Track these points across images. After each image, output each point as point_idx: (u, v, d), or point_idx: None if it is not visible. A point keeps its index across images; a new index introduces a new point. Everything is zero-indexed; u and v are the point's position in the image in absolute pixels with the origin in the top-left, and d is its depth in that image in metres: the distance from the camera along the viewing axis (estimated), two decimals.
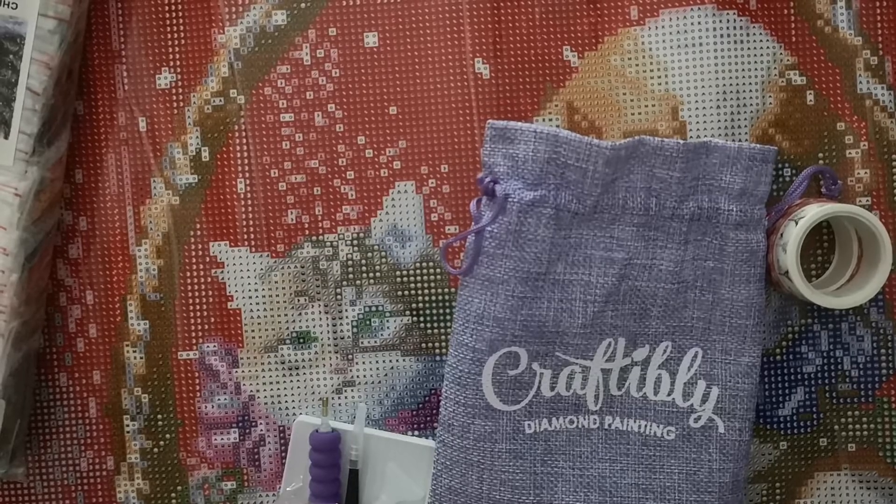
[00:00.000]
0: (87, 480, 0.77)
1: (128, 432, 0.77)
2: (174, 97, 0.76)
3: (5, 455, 0.72)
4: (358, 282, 0.76)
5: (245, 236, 0.76)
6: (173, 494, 0.77)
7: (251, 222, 0.76)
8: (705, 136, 0.74)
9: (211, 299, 0.76)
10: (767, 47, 0.74)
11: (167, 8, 0.75)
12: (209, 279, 0.76)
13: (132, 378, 0.76)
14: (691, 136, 0.74)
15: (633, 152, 0.70)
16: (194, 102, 0.76)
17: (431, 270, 0.75)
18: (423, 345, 0.76)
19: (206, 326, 0.76)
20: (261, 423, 0.76)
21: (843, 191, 0.74)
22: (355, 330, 0.76)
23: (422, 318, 0.76)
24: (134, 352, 0.76)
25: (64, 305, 0.76)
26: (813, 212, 0.68)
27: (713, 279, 0.71)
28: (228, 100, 0.75)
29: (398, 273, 0.75)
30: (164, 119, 0.76)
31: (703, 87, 0.74)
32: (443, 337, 0.75)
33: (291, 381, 0.76)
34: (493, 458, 0.71)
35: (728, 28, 0.74)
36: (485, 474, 0.71)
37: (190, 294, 0.76)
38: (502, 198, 0.69)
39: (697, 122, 0.74)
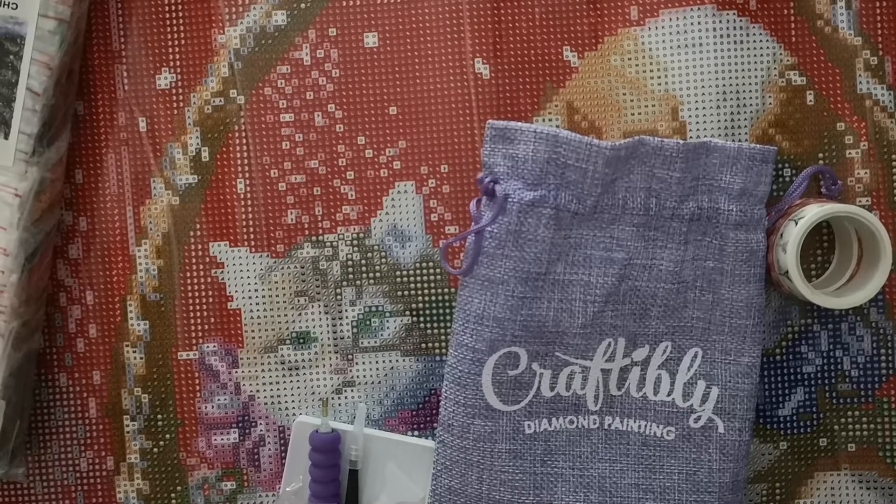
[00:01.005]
0: (87, 481, 0.77)
1: (128, 432, 0.77)
2: (174, 97, 0.76)
3: (5, 455, 0.72)
4: (358, 282, 0.76)
5: (245, 236, 0.76)
6: (173, 495, 0.77)
7: (251, 222, 0.76)
8: (705, 136, 0.74)
9: (211, 299, 0.76)
10: (767, 47, 0.74)
11: (167, 8, 0.75)
12: (209, 279, 0.76)
13: (132, 378, 0.76)
14: (691, 137, 0.74)
15: (633, 152, 0.70)
16: (194, 103, 0.76)
17: (431, 271, 0.75)
18: (423, 345, 0.76)
19: (206, 327, 0.76)
20: (261, 424, 0.76)
21: (843, 191, 0.74)
22: (355, 330, 0.76)
23: (422, 319, 0.76)
24: (134, 352, 0.76)
25: (64, 306, 0.76)
26: (813, 212, 0.68)
27: (713, 279, 0.71)
28: (228, 100, 0.75)
29: (398, 273, 0.75)
30: (164, 119, 0.76)
31: (702, 87, 0.74)
32: (443, 337, 0.75)
33: (291, 381, 0.76)
34: (492, 458, 0.71)
35: (728, 28, 0.74)
36: (484, 474, 0.71)
37: (190, 294, 0.76)
38: (502, 198, 0.69)
39: (697, 123, 0.74)
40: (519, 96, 0.75)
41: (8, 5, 0.69)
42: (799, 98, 0.74)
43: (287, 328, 0.76)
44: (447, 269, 0.71)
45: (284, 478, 0.75)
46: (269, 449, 0.76)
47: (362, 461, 0.74)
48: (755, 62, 0.74)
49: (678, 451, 0.72)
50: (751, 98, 0.74)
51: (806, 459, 0.75)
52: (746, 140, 0.74)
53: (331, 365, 0.76)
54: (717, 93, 0.74)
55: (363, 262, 0.76)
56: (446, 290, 0.75)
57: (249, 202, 0.76)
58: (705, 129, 0.74)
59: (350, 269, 0.76)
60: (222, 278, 0.76)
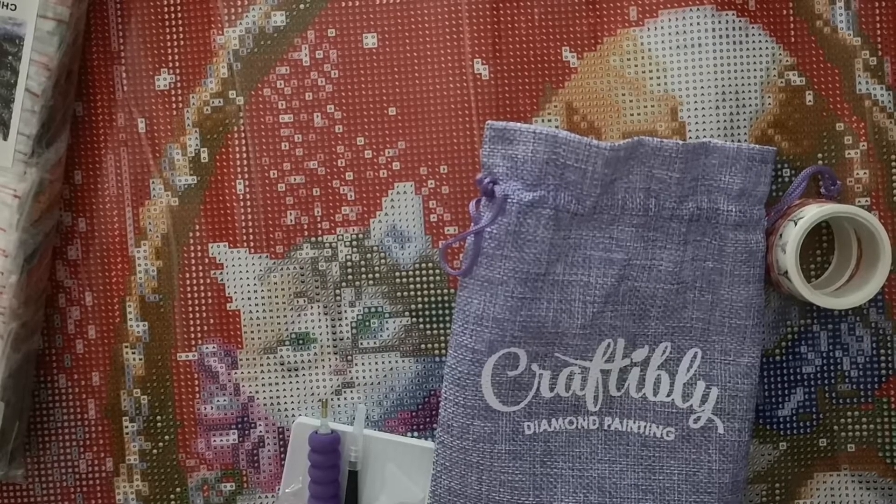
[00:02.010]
0: (87, 482, 0.77)
1: (127, 434, 0.77)
2: (173, 98, 0.76)
3: (4, 456, 0.72)
4: (357, 283, 0.75)
5: (244, 237, 0.76)
6: (172, 496, 0.77)
7: (250, 223, 0.76)
8: (704, 136, 0.74)
9: (210, 300, 0.76)
10: (766, 48, 0.74)
11: (166, 9, 0.75)
12: (208, 280, 0.76)
13: (131, 379, 0.76)
14: (690, 137, 0.74)
15: (632, 153, 0.70)
16: (193, 104, 0.75)
17: (431, 271, 0.75)
18: (423, 346, 0.76)
19: (206, 328, 0.76)
20: (260, 425, 0.76)
21: (842, 191, 0.74)
22: (354, 331, 0.76)
23: (421, 319, 0.75)
24: (133, 353, 0.76)
25: (63, 307, 0.76)
26: (812, 212, 0.68)
27: (712, 280, 0.71)
28: (227, 101, 0.75)
29: (397, 274, 0.75)
30: (164, 120, 0.76)
31: (702, 87, 0.74)
32: (442, 338, 0.75)
33: (291, 382, 0.76)
34: (492, 458, 0.71)
35: (727, 29, 0.74)
36: (484, 475, 0.71)
37: (189, 295, 0.76)
38: (501, 198, 0.69)
39: (696, 123, 0.74)
40: (518, 97, 0.75)
41: (6, 6, 0.69)
42: (798, 98, 0.74)
43: (286, 329, 0.76)
44: (446, 270, 0.71)
45: (284, 479, 0.75)
46: (269, 450, 0.76)
47: (362, 462, 0.74)
48: (754, 62, 0.74)
49: (678, 451, 0.72)
50: (750, 98, 0.74)
51: (806, 460, 0.75)
52: (746, 140, 0.74)
53: (330, 366, 0.76)
54: (717, 93, 0.74)
55: (362, 262, 0.75)
56: (446, 290, 0.75)
57: (249, 203, 0.76)
58: (704, 129, 0.74)
59: (349, 270, 0.76)
60: (221, 279, 0.76)
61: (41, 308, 0.75)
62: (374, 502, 0.74)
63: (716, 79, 0.74)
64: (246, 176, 0.76)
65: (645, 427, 0.72)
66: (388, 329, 0.75)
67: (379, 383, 0.76)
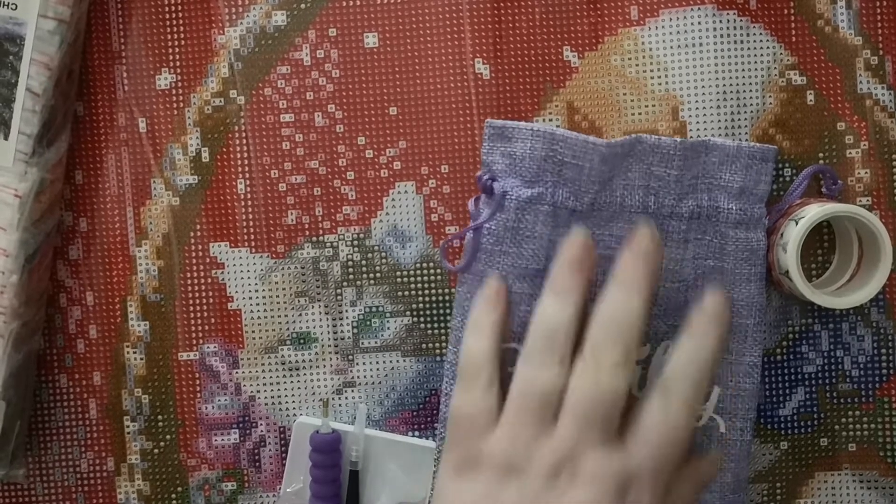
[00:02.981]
0: (88, 481, 0.77)
1: (128, 433, 0.77)
2: (174, 98, 0.76)
3: (5, 456, 0.72)
4: (358, 282, 0.76)
5: (245, 237, 0.76)
6: (174, 495, 0.77)
7: (251, 223, 0.76)
8: (705, 135, 0.74)
9: (211, 300, 0.76)
10: (767, 47, 0.74)
11: (167, 9, 0.75)
12: (209, 280, 0.76)
13: (132, 379, 0.76)
14: (691, 136, 0.74)
15: (631, 150, 0.70)
16: (194, 103, 0.75)
17: (432, 271, 0.75)
18: (424, 345, 0.76)
19: (207, 327, 0.76)
20: (261, 424, 0.76)
21: (843, 190, 0.74)
22: (356, 330, 0.76)
23: (422, 319, 0.75)
24: (134, 353, 0.76)
25: (64, 306, 0.76)
26: (813, 212, 0.68)
27: (713, 278, 0.71)
28: (228, 100, 0.75)
29: (398, 274, 0.75)
30: (164, 120, 0.76)
31: (703, 87, 0.74)
32: (443, 337, 0.75)
33: (292, 381, 0.76)
34: None
35: (728, 28, 0.74)
36: None
37: (190, 295, 0.76)
38: (500, 195, 0.69)
39: (697, 122, 0.74)
40: (519, 96, 0.75)
41: (7, 6, 0.69)
42: (799, 98, 0.74)
43: (287, 329, 0.76)
44: (446, 267, 0.71)
45: (285, 479, 0.75)
46: (270, 449, 0.76)
47: (363, 462, 0.74)
48: (755, 62, 0.74)
49: None
50: (751, 98, 0.74)
51: (806, 459, 0.75)
52: (747, 140, 0.74)
53: (331, 365, 0.76)
54: (718, 93, 0.74)
55: (363, 262, 0.75)
56: (447, 290, 0.75)
57: (250, 203, 0.76)
58: (705, 128, 0.74)
59: (350, 270, 0.76)
60: (222, 279, 0.76)
61: (42, 308, 0.75)
62: (375, 501, 0.74)
63: (717, 78, 0.74)
64: (247, 175, 0.76)
65: None
66: (389, 328, 0.75)
67: (380, 383, 0.76)
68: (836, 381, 0.75)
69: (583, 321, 0.63)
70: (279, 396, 0.76)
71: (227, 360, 0.76)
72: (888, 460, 0.75)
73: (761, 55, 0.74)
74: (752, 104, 0.74)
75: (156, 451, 0.77)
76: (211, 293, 0.76)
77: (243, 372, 0.76)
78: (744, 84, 0.74)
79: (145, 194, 0.76)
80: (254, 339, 0.76)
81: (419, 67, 0.75)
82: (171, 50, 0.75)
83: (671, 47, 0.74)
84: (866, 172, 0.74)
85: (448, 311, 0.75)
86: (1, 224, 0.70)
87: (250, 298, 0.76)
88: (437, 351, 0.76)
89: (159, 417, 0.76)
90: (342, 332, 0.76)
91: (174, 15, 0.75)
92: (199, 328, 0.76)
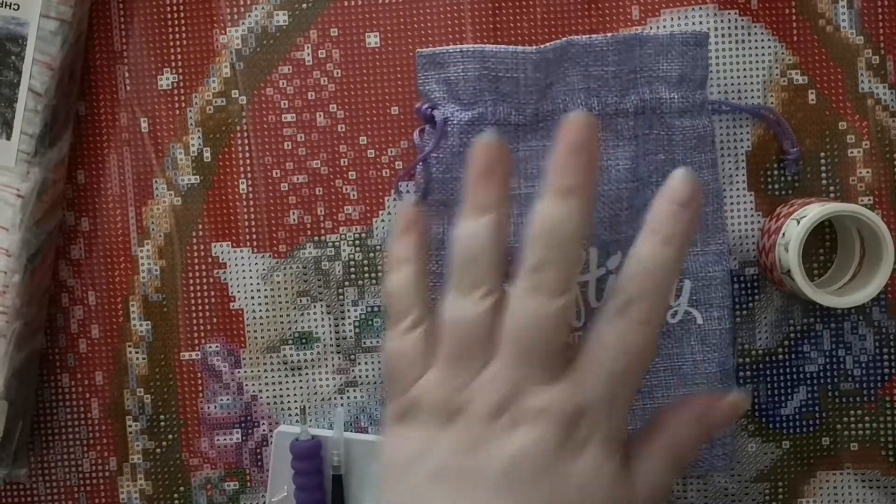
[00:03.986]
0: (90, 481, 0.77)
1: (130, 433, 0.77)
2: (176, 98, 0.76)
3: (8, 456, 0.72)
4: (360, 282, 0.76)
5: (247, 237, 0.76)
6: (176, 495, 0.77)
7: (253, 223, 0.76)
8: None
9: (213, 300, 0.76)
10: (769, 47, 0.74)
11: (169, 9, 0.75)
12: (211, 280, 0.76)
13: (134, 379, 0.76)
14: None
15: (564, 54, 0.70)
16: (196, 103, 0.76)
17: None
18: None
19: (209, 327, 0.76)
20: (263, 424, 0.76)
21: (800, 156, 0.74)
22: (357, 330, 0.76)
23: None
24: (136, 352, 0.76)
25: (66, 306, 0.76)
26: (815, 211, 0.68)
27: (666, 171, 0.70)
28: (230, 100, 0.75)
29: None
30: (166, 120, 0.76)
31: None
32: None
33: (294, 381, 0.76)
34: None
35: (729, 28, 0.74)
36: None
37: (192, 295, 0.76)
38: (441, 122, 0.70)
39: None
40: None
41: (9, 6, 0.69)
42: (801, 97, 0.74)
43: (289, 328, 0.76)
44: (402, 203, 0.71)
45: (269, 489, 0.74)
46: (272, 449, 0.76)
47: (345, 466, 0.74)
48: (757, 61, 0.74)
49: (660, 348, 0.71)
50: (752, 97, 0.74)
51: (808, 459, 0.75)
52: (750, 139, 0.74)
53: (333, 365, 0.76)
54: (719, 92, 0.74)
55: (365, 262, 0.76)
56: None
57: (252, 202, 0.76)
58: None
59: (352, 269, 0.76)
60: (224, 279, 0.76)
61: (44, 307, 0.75)
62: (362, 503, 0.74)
63: (718, 77, 0.74)
64: (249, 175, 0.76)
65: None
66: None
67: (382, 382, 0.76)
68: (837, 381, 0.75)
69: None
70: (281, 396, 0.76)
71: (229, 360, 0.76)
72: (890, 459, 0.75)
73: (762, 55, 0.74)
74: (753, 103, 0.74)
75: (158, 450, 0.77)
76: (213, 293, 0.76)
77: (245, 371, 0.76)
78: (745, 83, 0.74)
79: (147, 194, 0.76)
80: (256, 338, 0.76)
81: None
82: (172, 50, 0.75)
83: None
84: (868, 172, 0.74)
85: None
86: (3, 224, 0.70)
87: (252, 298, 0.76)
88: None
89: (161, 417, 0.76)
90: (344, 331, 0.76)
91: (176, 15, 0.75)
92: (201, 328, 0.76)
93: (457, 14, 0.75)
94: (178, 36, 0.75)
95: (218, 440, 0.76)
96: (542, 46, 0.69)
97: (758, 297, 0.75)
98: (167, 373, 0.76)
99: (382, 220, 0.75)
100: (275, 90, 0.75)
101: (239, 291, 0.76)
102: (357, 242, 0.75)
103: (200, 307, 0.76)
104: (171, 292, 0.76)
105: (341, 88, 0.75)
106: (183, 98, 0.76)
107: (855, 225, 0.71)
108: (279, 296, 0.76)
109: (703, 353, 0.71)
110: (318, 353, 0.76)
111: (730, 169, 0.74)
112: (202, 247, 0.76)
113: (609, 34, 0.71)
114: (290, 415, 0.76)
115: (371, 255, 0.75)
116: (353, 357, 0.76)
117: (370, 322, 0.76)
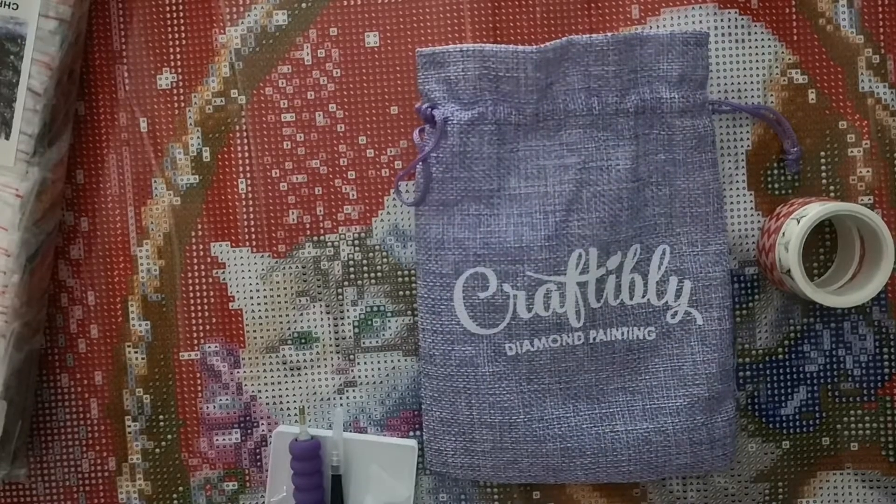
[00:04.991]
0: (89, 481, 0.77)
1: (129, 433, 0.77)
2: (175, 97, 0.76)
3: (7, 456, 0.72)
4: (359, 282, 0.75)
5: (246, 237, 0.76)
6: (175, 495, 0.77)
7: (252, 223, 0.76)
8: None
9: (212, 300, 0.76)
10: (769, 46, 0.74)
11: (168, 8, 0.75)
12: (210, 280, 0.76)
13: (134, 379, 0.76)
14: None
15: (564, 54, 0.70)
16: (195, 103, 0.75)
17: None
18: None
19: (208, 327, 0.76)
20: (262, 424, 0.76)
21: (801, 155, 0.74)
22: (357, 330, 0.76)
23: None
24: (135, 352, 0.76)
25: (65, 306, 0.76)
26: (815, 210, 0.68)
27: (667, 171, 0.71)
28: (229, 100, 0.75)
29: (399, 273, 0.75)
30: (166, 119, 0.76)
31: None
32: None
33: (293, 381, 0.76)
34: (477, 382, 0.71)
35: (729, 27, 0.74)
36: (472, 399, 0.71)
37: (191, 294, 0.76)
38: (441, 122, 0.70)
39: None
40: None
41: (8, 5, 0.69)
42: (801, 96, 0.74)
43: (288, 328, 0.76)
44: (402, 201, 0.72)
45: (268, 489, 0.74)
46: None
47: (345, 466, 0.74)
48: (757, 61, 0.74)
49: (660, 348, 0.72)
50: (753, 96, 0.74)
51: (809, 458, 0.75)
52: (749, 138, 0.74)
53: (332, 365, 0.76)
54: (719, 92, 0.74)
55: (364, 261, 0.75)
56: None
57: (251, 202, 0.76)
58: None
59: (351, 269, 0.75)
60: (224, 278, 0.76)
61: (43, 307, 0.75)
62: None
63: (718, 77, 0.74)
64: (248, 175, 0.75)
65: (627, 332, 0.72)
66: (390, 328, 0.75)
67: (381, 382, 0.76)
68: (837, 381, 0.75)
69: None
70: (280, 396, 0.76)
71: (228, 360, 0.76)
72: (890, 459, 0.75)
73: (763, 54, 0.74)
74: (754, 102, 0.74)
75: (157, 450, 0.77)
76: (212, 293, 0.76)
77: (244, 371, 0.76)
78: (746, 82, 0.74)
79: (146, 194, 0.76)
80: (255, 338, 0.76)
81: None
82: (172, 49, 0.75)
83: None
84: (868, 171, 0.74)
85: None
86: (2, 224, 0.70)
87: (251, 298, 0.76)
88: None
89: (160, 417, 0.76)
90: (343, 331, 0.76)
91: (175, 15, 0.75)
92: (201, 328, 0.76)
93: (457, 14, 0.75)
94: (177, 36, 0.75)
95: (217, 440, 0.76)
96: (542, 46, 0.69)
97: (758, 297, 0.75)
98: (166, 373, 0.76)
99: (381, 220, 0.75)
100: (274, 90, 0.75)
101: (238, 291, 0.76)
102: (356, 242, 0.75)
103: (199, 307, 0.76)
104: (171, 292, 0.76)
105: (341, 88, 0.75)
106: (182, 98, 0.76)
107: (855, 224, 0.71)
108: (278, 296, 0.76)
109: (704, 354, 0.71)
110: (318, 353, 0.76)
111: (730, 168, 0.74)
112: (201, 247, 0.76)
113: (609, 34, 0.71)
114: (289, 415, 0.76)
115: (370, 254, 0.75)
116: (352, 357, 0.76)
117: (369, 322, 0.75)
